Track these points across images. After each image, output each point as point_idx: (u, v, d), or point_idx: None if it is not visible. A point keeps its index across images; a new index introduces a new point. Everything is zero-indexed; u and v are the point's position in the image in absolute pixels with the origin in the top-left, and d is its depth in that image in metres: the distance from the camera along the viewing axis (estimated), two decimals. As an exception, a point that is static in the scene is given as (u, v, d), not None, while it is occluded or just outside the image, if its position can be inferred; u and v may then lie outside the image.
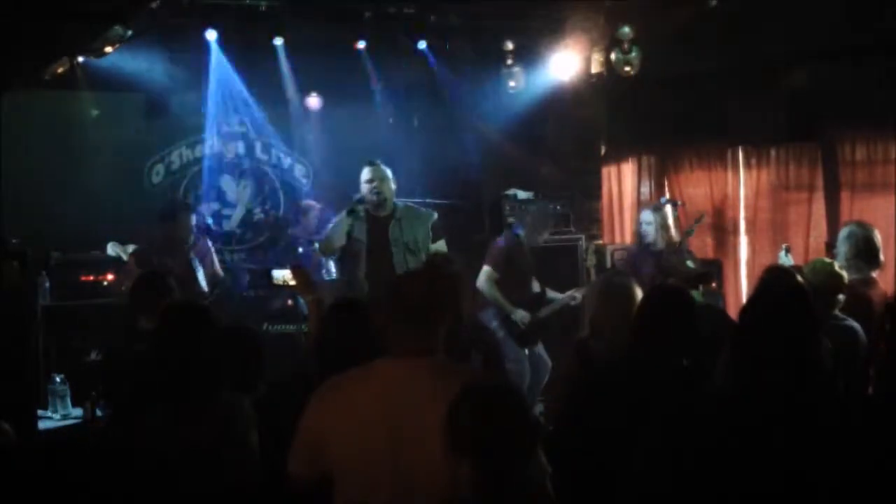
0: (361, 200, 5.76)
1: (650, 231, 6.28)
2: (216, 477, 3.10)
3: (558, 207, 7.92)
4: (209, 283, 6.37)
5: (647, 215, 6.35)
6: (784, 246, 5.97)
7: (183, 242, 6.33)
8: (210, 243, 6.74)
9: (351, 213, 5.71)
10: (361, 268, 5.79)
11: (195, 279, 6.22)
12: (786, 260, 5.78)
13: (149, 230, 6.55)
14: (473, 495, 2.28)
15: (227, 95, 7.92)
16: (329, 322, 3.60)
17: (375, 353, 2.76)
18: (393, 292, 2.72)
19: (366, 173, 5.84)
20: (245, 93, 7.90)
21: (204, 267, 6.39)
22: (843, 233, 5.26)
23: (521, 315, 6.35)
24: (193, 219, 6.62)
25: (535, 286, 6.65)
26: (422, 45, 7.55)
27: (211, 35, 7.07)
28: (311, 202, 7.80)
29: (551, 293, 6.66)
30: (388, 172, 5.87)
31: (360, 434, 2.58)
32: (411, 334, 2.65)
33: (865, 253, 5.10)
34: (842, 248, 5.14)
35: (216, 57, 7.34)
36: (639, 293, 4.11)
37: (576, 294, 6.58)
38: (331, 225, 5.89)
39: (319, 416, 2.69)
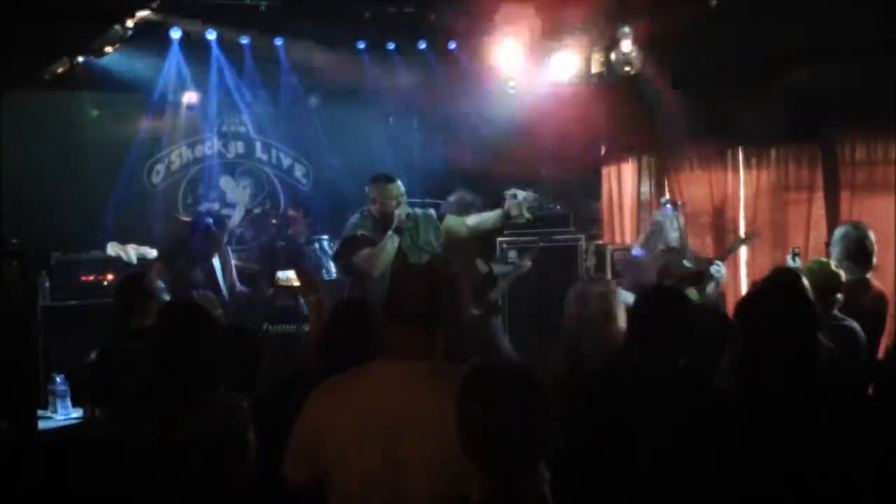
0: (409, 216, 5.69)
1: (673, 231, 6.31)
2: (215, 477, 3.10)
3: (558, 207, 7.93)
4: (228, 289, 6.42)
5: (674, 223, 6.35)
6: (793, 249, 5.93)
7: (213, 255, 6.37)
8: (230, 252, 6.76)
9: (397, 230, 5.67)
10: (378, 282, 5.73)
11: (218, 288, 6.27)
12: (793, 264, 5.75)
13: (149, 232, 6.59)
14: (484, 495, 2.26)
15: (227, 95, 7.94)
16: (332, 322, 3.60)
17: (378, 354, 2.76)
18: (391, 294, 2.71)
19: (387, 190, 5.74)
20: (245, 93, 7.92)
21: (224, 275, 6.42)
22: (837, 233, 5.24)
23: None
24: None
25: (482, 266, 6.66)
26: (422, 45, 7.55)
27: (211, 35, 7.08)
28: (295, 214, 7.80)
29: (499, 267, 6.69)
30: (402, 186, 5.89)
31: (357, 435, 2.57)
32: (410, 336, 2.63)
33: (856, 255, 5.08)
34: (835, 248, 5.14)
35: (216, 56, 7.35)
36: (616, 297, 4.12)
37: (526, 262, 6.62)
38: (377, 247, 5.66)
39: (316, 417, 2.68)
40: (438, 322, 2.67)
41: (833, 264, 4.70)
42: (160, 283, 4.77)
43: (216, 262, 6.42)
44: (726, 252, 6.62)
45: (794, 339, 2.74)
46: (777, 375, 2.70)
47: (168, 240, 6.99)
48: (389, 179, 5.82)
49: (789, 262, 5.79)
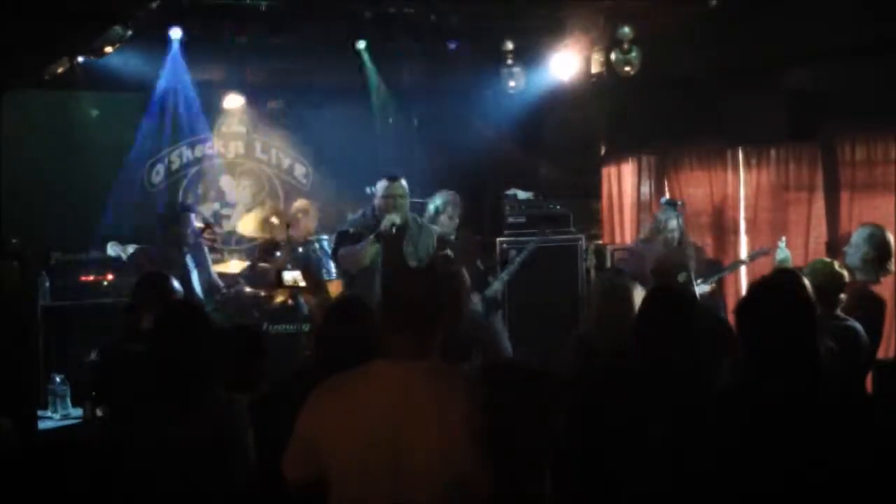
0: (391, 227, 5.68)
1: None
2: (213, 477, 3.10)
3: (558, 207, 7.93)
4: (204, 289, 6.35)
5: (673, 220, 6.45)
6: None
7: (183, 246, 6.30)
8: (206, 249, 6.68)
9: (378, 237, 5.68)
10: (377, 282, 5.74)
11: (190, 285, 6.18)
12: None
13: (149, 232, 6.55)
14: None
15: (227, 95, 7.94)
16: (331, 321, 3.59)
17: (375, 353, 2.75)
18: (391, 294, 2.71)
19: (387, 188, 5.78)
20: (245, 92, 7.92)
21: (199, 272, 6.35)
22: (862, 233, 5.16)
23: None
24: (193, 222, 6.57)
25: (478, 264, 6.66)
26: (422, 45, 7.55)
27: (210, 35, 7.06)
28: (305, 202, 7.78)
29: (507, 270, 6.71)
30: (407, 188, 5.86)
31: (358, 436, 2.56)
32: (410, 337, 2.62)
33: (887, 255, 5.08)
34: (863, 247, 5.07)
35: (215, 56, 7.34)
36: (638, 292, 4.15)
37: (534, 239, 6.66)
38: (358, 248, 5.78)
39: (316, 417, 2.67)
40: (438, 322, 2.66)
41: (836, 264, 4.69)
42: (177, 284, 4.72)
43: (189, 260, 6.26)
44: (747, 258, 6.76)
45: (792, 339, 2.73)
46: (776, 375, 2.70)
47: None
48: (391, 178, 5.83)
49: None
